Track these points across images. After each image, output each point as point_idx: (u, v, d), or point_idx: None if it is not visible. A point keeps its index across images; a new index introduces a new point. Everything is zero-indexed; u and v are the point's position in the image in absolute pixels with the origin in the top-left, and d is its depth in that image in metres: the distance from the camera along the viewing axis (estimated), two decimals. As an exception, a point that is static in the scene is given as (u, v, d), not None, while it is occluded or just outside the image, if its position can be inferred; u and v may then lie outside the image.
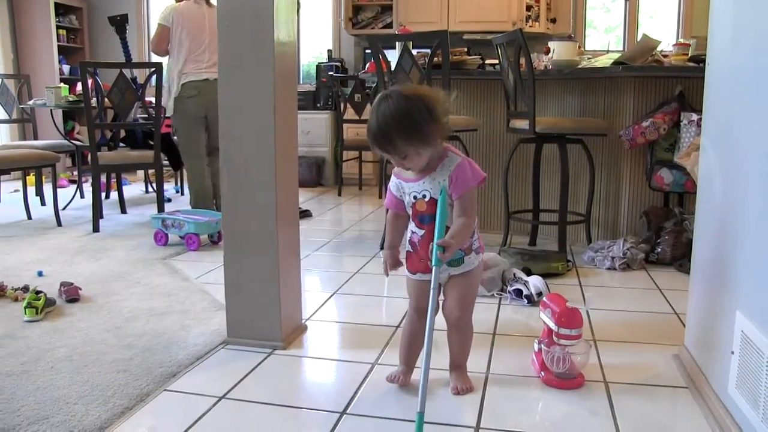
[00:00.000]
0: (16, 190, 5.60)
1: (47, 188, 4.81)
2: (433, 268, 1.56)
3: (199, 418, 1.63)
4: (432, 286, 1.56)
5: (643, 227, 3.25)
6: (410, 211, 1.70)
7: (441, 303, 1.76)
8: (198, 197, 4.11)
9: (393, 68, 3.21)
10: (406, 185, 1.68)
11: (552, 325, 1.80)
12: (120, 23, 4.34)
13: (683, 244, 3.07)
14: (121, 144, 4.56)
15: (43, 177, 5.07)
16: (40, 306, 2.37)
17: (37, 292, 2.44)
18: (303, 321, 2.29)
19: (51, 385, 1.80)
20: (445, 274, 1.72)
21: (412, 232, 1.72)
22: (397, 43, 3.55)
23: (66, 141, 5.10)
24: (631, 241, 3.14)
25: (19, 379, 1.84)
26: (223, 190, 2.08)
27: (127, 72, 3.97)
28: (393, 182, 1.73)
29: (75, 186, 5.30)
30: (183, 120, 4.02)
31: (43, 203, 4.91)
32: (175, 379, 1.86)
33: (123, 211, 4.65)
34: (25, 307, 2.36)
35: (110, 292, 2.69)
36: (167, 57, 4.04)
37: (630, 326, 2.32)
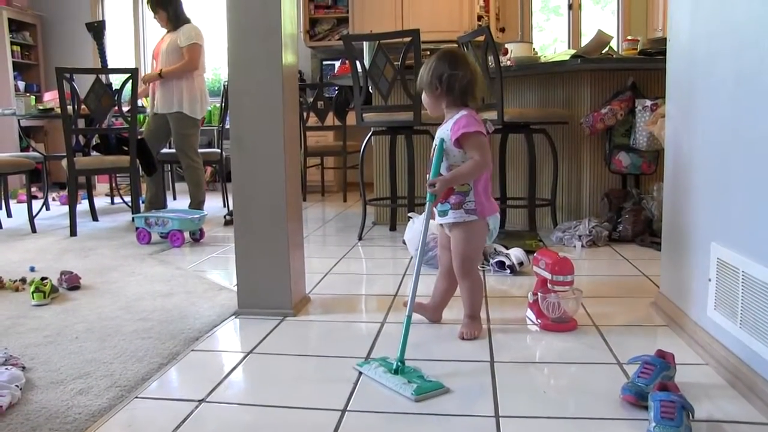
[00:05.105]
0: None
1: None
2: (427, 203, 1.85)
3: (235, 367, 1.75)
4: (425, 216, 1.86)
5: (604, 208, 3.52)
6: None
7: None
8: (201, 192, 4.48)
9: (368, 66, 3.39)
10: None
11: (546, 274, 2.00)
12: (97, 29, 4.41)
13: (642, 222, 3.36)
14: (93, 152, 4.58)
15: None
16: (47, 291, 2.43)
17: (42, 278, 2.50)
18: (306, 293, 2.43)
19: (81, 350, 1.89)
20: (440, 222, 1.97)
21: None
22: (365, 44, 3.76)
23: (36, 153, 5.06)
24: (595, 221, 3.40)
25: (48, 348, 1.91)
26: (235, 169, 2.20)
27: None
28: None
29: (35, 200, 5.22)
30: (197, 130, 4.47)
31: (9, 215, 4.84)
32: (198, 341, 1.97)
33: (94, 218, 4.65)
34: (33, 292, 2.42)
35: (109, 281, 2.75)
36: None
37: (607, 286, 2.55)
